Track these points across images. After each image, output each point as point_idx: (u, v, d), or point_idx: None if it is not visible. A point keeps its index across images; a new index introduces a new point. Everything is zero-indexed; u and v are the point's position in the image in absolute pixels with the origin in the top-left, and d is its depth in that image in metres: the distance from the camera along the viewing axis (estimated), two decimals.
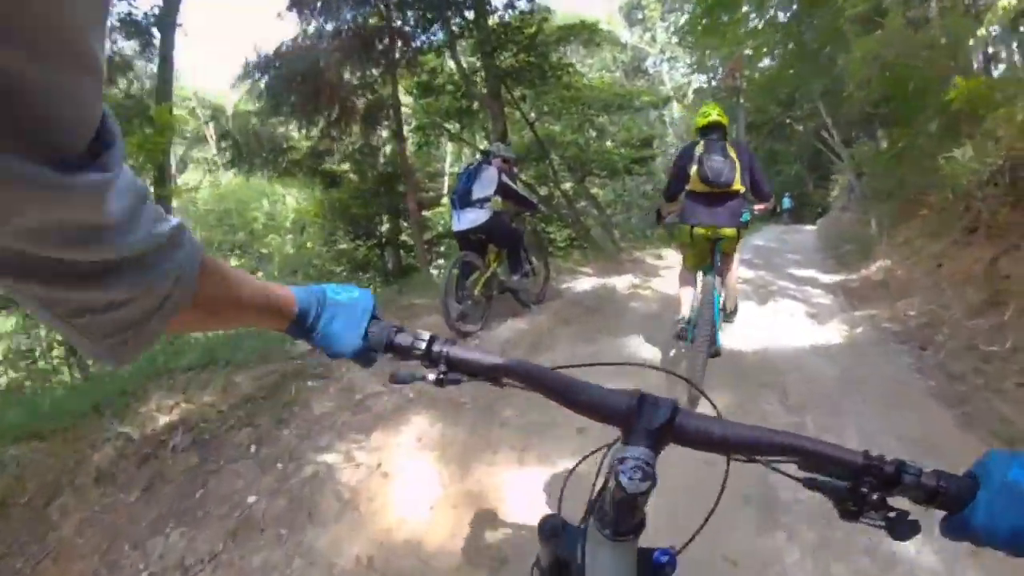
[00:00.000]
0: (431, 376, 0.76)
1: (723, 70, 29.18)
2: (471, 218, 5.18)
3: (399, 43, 9.97)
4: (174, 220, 0.48)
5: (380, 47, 9.87)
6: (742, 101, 27.06)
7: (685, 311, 4.00)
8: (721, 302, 3.95)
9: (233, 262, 15.66)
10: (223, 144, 9.10)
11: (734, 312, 4.22)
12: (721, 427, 0.67)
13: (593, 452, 0.84)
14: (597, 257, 10.16)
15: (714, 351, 3.67)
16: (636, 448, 0.63)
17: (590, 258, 10.02)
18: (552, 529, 0.78)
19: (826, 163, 23.60)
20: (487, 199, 5.16)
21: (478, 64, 11.37)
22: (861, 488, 0.61)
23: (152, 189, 3.51)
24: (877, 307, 5.97)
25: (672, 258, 10.67)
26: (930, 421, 3.35)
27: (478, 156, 5.88)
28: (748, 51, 27.79)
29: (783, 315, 5.95)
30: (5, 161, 0.28)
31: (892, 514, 0.60)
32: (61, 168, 0.31)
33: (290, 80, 9.43)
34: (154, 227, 0.44)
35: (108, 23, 0.33)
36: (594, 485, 0.75)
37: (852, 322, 5.56)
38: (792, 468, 0.66)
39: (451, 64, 11.56)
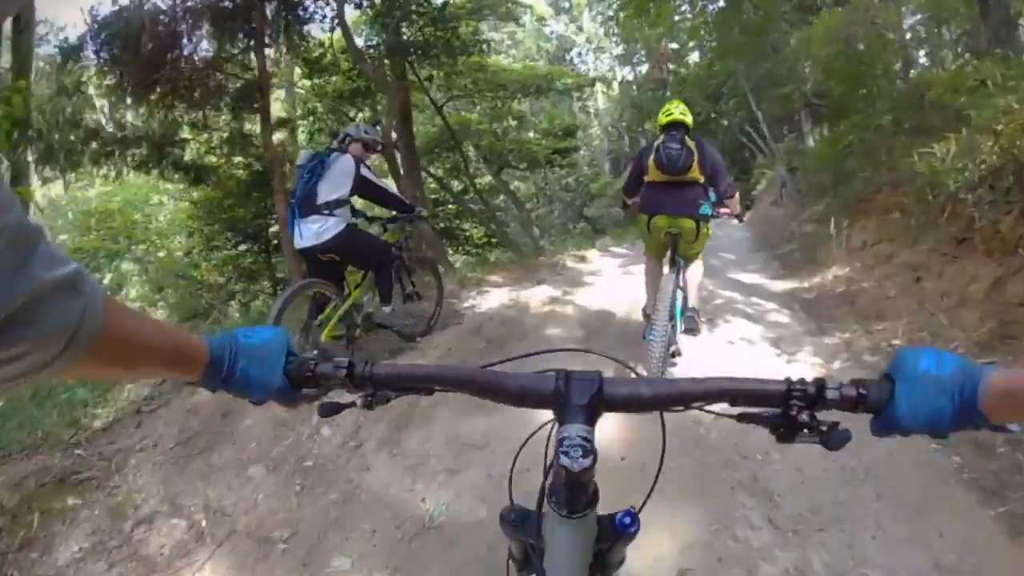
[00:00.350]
0: (358, 401, 0.76)
1: (650, 62, 28.79)
2: (316, 231, 3.60)
3: (272, 6, 8.10)
4: (70, 265, 0.44)
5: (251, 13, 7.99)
6: (668, 95, 26.60)
7: (651, 304, 3.92)
8: (681, 299, 3.74)
9: (107, 276, 13.27)
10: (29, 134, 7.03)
11: (695, 316, 3.91)
12: (649, 387, 0.71)
13: (532, 435, 0.89)
14: (512, 261, 8.76)
15: (673, 350, 3.58)
16: (572, 426, 0.66)
17: (504, 261, 8.62)
18: (514, 519, 0.78)
19: (748, 158, 23.35)
20: (340, 202, 3.60)
21: (376, 40, 9.69)
22: (790, 412, 0.65)
23: None
24: (847, 329, 4.82)
25: (597, 261, 9.40)
26: (970, 528, 2.24)
27: (334, 143, 4.14)
28: (674, 44, 27.41)
29: (740, 344, 4.69)
30: None
31: (824, 427, 0.64)
32: None
33: (129, 52, 7.43)
34: (43, 275, 0.41)
35: None
36: (544, 468, 0.77)
37: (825, 352, 4.36)
38: (724, 407, 0.70)
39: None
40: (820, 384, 0.65)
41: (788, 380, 0.67)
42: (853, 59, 8.44)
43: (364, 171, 3.70)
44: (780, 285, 7.02)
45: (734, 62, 15.58)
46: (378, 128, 4.12)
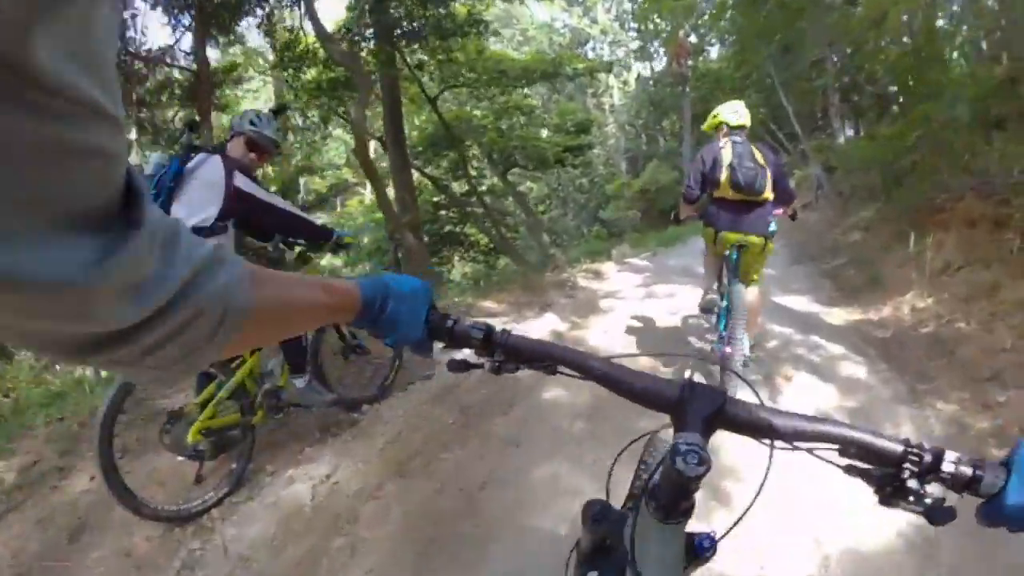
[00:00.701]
0: (487, 364, 0.79)
1: (668, 56, 27.30)
2: None
3: None
4: (207, 244, 0.46)
5: None
6: (687, 90, 25.13)
7: (711, 288, 3.96)
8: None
9: None
10: None
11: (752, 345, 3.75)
12: (767, 415, 0.70)
13: (636, 439, 0.93)
14: (514, 278, 7.46)
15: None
16: (689, 434, 0.67)
17: (504, 279, 7.33)
18: (598, 513, 0.81)
19: None
20: (206, 229, 2.34)
21: (357, 20, 8.42)
22: (901, 475, 0.63)
23: None
24: (952, 396, 3.55)
25: (613, 277, 8.07)
26: None
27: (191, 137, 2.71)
28: (692, 38, 25.95)
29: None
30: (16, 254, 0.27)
31: (929, 500, 0.63)
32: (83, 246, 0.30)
33: None
34: (189, 259, 0.43)
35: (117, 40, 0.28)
36: (638, 471, 0.88)
37: (930, 436, 3.05)
38: (833, 455, 0.68)
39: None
40: (938, 454, 0.63)
41: (907, 441, 0.65)
42: (915, 45, 7.05)
43: (242, 181, 2.42)
44: (840, 315, 5.65)
45: (762, 52, 14.45)
46: (275, 121, 2.73)
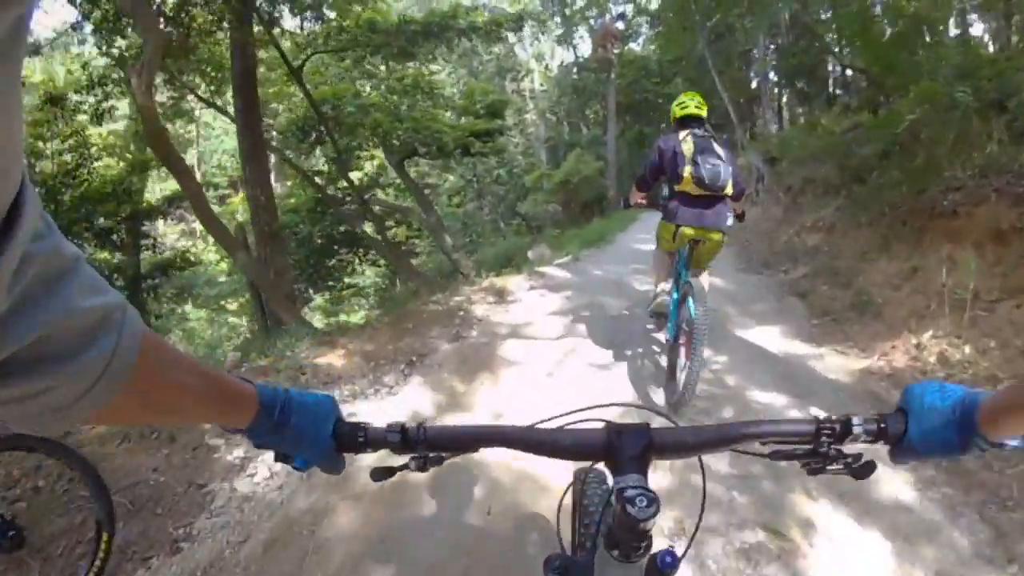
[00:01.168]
0: (412, 464, 0.77)
1: (593, 41, 25.83)
2: None
3: None
4: (109, 295, 0.42)
5: None
6: (613, 76, 23.72)
7: (664, 290, 3.83)
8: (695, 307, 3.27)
9: None
10: None
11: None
12: (693, 434, 0.76)
13: (569, 486, 1.00)
14: (385, 309, 5.51)
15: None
16: (630, 476, 0.69)
17: (370, 311, 5.41)
18: (560, 567, 0.77)
19: None
20: None
21: None
22: (820, 448, 0.72)
23: None
24: None
25: (524, 299, 6.18)
26: None
27: None
28: (620, 24, 24.54)
29: None
30: None
31: (850, 459, 0.71)
32: None
33: None
34: (77, 303, 0.39)
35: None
36: (580, 514, 0.97)
37: None
38: (757, 446, 0.75)
39: None
40: (846, 420, 0.71)
41: (816, 419, 0.72)
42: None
43: None
44: (836, 363, 4.02)
45: (694, 36, 13.34)
46: None
